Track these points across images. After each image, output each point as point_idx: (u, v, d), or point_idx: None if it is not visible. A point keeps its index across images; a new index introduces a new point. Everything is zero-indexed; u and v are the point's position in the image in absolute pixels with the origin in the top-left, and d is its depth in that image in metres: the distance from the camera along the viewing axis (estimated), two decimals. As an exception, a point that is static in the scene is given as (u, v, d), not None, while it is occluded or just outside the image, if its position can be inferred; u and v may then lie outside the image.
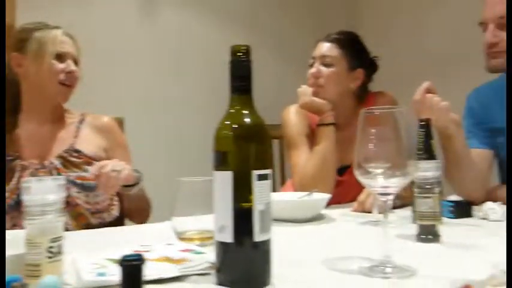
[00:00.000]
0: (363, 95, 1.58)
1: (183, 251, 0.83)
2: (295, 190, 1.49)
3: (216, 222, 0.66)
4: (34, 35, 1.39)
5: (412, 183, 0.96)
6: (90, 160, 1.42)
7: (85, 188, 1.38)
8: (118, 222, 1.50)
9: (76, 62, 1.45)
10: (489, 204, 1.16)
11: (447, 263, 0.80)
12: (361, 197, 1.33)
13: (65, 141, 1.44)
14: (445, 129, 1.28)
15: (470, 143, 1.41)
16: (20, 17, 2.19)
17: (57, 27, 1.44)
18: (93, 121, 1.52)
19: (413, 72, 2.88)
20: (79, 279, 0.67)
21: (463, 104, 1.57)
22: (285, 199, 1.33)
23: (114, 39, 2.51)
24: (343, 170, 1.54)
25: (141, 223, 1.46)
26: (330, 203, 1.50)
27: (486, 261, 0.66)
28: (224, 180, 0.65)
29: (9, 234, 0.71)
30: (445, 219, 1.15)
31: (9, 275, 0.57)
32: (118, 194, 1.55)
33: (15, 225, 1.27)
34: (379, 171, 0.72)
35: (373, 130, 0.74)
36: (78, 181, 1.38)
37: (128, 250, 0.83)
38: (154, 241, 0.90)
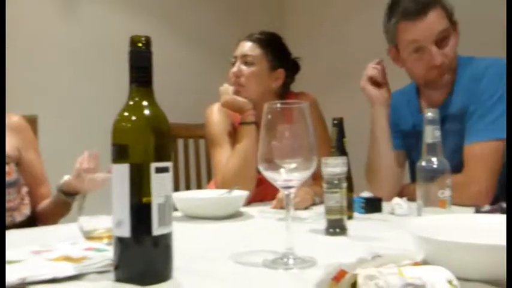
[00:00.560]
0: (285, 95, 1.61)
1: (86, 249, 0.80)
2: (217, 188, 1.49)
3: (113, 217, 0.64)
4: None
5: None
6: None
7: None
8: (29, 223, 1.43)
9: None
10: (396, 200, 1.23)
11: (347, 253, 0.83)
12: (280, 194, 1.35)
13: None
14: None
15: None
16: None
17: None
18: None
19: (335, 74, 3.00)
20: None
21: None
22: (203, 196, 1.33)
23: (30, 35, 2.36)
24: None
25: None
26: (252, 201, 1.52)
27: (381, 250, 0.69)
28: (121, 173, 0.63)
29: None
30: (356, 214, 1.21)
31: None
32: (30, 194, 1.48)
33: None
34: (293, 166, 0.74)
35: (279, 126, 0.75)
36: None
37: (26, 251, 0.79)
38: (60, 241, 0.86)
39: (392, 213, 1.21)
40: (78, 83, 2.49)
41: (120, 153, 0.64)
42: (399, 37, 1.42)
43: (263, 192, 1.59)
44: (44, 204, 1.50)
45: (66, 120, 2.41)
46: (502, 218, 0.79)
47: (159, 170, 0.63)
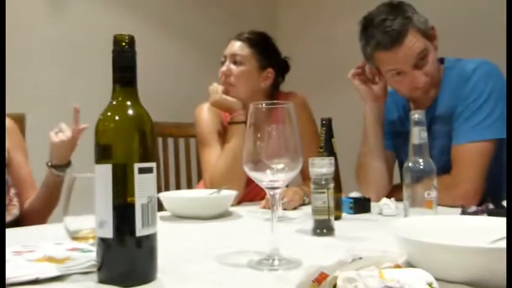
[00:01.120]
0: (274, 95, 1.61)
1: (70, 250, 0.79)
2: (206, 187, 1.49)
3: (96, 217, 0.64)
4: None
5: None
6: None
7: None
8: (17, 223, 1.42)
9: None
10: (384, 200, 1.23)
11: (332, 254, 0.82)
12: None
13: None
14: None
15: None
16: None
17: None
18: None
19: (326, 73, 3.01)
20: None
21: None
22: (191, 196, 1.33)
23: (18, 33, 2.33)
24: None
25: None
26: (242, 201, 1.52)
27: (365, 251, 0.69)
28: (104, 174, 0.62)
29: None
30: (344, 215, 1.21)
31: None
32: (18, 195, 1.47)
33: None
34: (280, 166, 0.74)
35: (264, 126, 0.75)
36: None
37: (7, 252, 0.78)
38: (45, 241, 0.86)
39: (380, 213, 1.21)
40: (67, 81, 2.47)
41: (103, 154, 0.63)
42: (377, 64, 1.43)
43: (253, 192, 1.59)
44: (33, 197, 1.49)
45: (54, 118, 2.37)
46: (487, 220, 0.79)
47: (143, 171, 0.63)
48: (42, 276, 0.66)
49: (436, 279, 0.49)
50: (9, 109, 1.52)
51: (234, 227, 1.13)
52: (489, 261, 0.55)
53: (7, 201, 1.42)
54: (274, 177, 0.73)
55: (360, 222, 1.15)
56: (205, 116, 1.60)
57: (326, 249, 0.86)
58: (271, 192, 0.75)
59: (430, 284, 0.43)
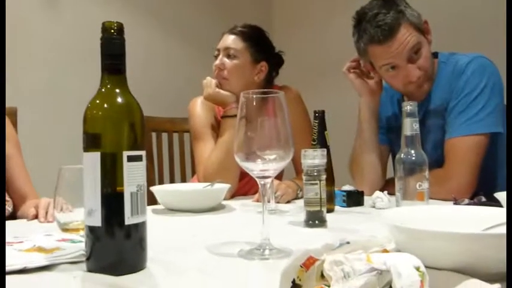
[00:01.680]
0: (268, 88, 1.60)
1: (60, 240, 0.79)
2: (199, 181, 1.48)
3: (85, 205, 0.63)
4: None
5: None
6: None
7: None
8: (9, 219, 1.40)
9: None
10: (377, 194, 1.23)
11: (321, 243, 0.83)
12: (263, 187, 1.35)
13: None
14: None
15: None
16: None
17: None
18: None
19: (321, 67, 3.01)
20: None
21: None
22: (184, 189, 1.32)
23: (10, 27, 2.31)
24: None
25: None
26: (236, 194, 1.52)
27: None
28: (93, 162, 0.62)
29: None
30: (337, 208, 1.21)
31: None
32: (11, 190, 1.46)
33: None
34: (273, 157, 0.73)
35: (255, 116, 0.74)
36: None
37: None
38: (35, 233, 0.85)
39: (373, 206, 1.21)
40: (59, 75, 2.45)
41: (91, 142, 0.63)
42: (371, 59, 1.42)
43: (247, 186, 1.60)
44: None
45: (46, 112, 2.38)
46: (478, 209, 0.79)
47: (132, 159, 0.62)
48: (30, 265, 0.65)
49: (426, 266, 0.49)
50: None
51: (227, 220, 1.13)
52: (480, 248, 0.54)
53: None
54: (265, 166, 0.73)
55: (353, 215, 1.15)
56: (199, 110, 1.60)
57: (318, 240, 0.86)
58: (262, 182, 0.75)
59: (417, 268, 0.43)
